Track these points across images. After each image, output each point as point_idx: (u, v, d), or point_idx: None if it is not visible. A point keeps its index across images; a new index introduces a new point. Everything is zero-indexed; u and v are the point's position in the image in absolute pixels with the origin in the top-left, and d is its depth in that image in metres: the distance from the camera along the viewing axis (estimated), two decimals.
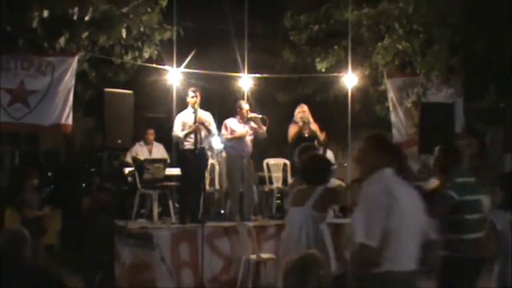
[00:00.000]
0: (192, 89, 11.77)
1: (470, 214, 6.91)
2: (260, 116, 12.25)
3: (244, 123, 12.20)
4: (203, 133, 11.52)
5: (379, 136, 5.56)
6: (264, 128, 12.24)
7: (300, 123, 12.32)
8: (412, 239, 4.81)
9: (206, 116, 11.68)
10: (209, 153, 13.00)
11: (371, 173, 5.01)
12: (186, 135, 11.42)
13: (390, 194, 4.76)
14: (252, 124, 12.21)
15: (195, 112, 11.42)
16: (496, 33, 13.17)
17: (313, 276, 4.26)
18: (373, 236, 4.63)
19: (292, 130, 12.34)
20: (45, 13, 10.48)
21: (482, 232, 7.13)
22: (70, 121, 11.45)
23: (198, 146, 11.46)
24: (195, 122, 11.35)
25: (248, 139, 12.15)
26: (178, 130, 11.50)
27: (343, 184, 12.29)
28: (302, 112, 12.47)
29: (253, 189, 12.37)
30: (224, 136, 12.26)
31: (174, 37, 12.22)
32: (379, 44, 13.79)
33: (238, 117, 12.24)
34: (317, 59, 14.32)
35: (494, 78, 13.39)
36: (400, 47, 13.51)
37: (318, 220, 6.95)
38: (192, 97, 11.57)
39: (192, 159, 11.49)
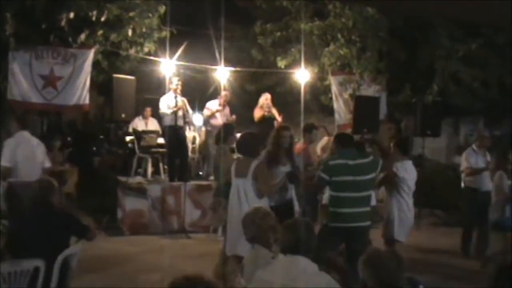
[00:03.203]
0: (177, 78, 11.98)
1: None
2: (232, 115, 12.64)
3: (222, 106, 12.51)
4: (180, 112, 11.75)
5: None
6: (234, 117, 12.62)
7: (263, 107, 12.56)
8: None
9: (184, 101, 11.88)
10: (191, 127, 13.36)
11: None
12: (172, 113, 11.63)
13: None
14: (227, 110, 12.56)
15: (176, 97, 11.63)
16: (413, 47, 13.65)
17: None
18: None
19: (258, 113, 12.52)
20: (71, 15, 10.62)
21: None
22: (87, 101, 11.43)
23: (177, 123, 11.58)
24: (176, 105, 11.58)
25: (223, 119, 12.37)
26: (165, 109, 11.67)
27: None
28: (265, 99, 12.64)
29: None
30: (205, 115, 12.56)
31: (168, 36, 12.28)
32: (326, 49, 13.92)
33: (218, 100, 12.55)
34: (279, 58, 14.25)
35: (409, 79, 13.84)
36: (341, 52, 13.63)
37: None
38: (176, 84, 11.75)
39: (173, 133, 11.64)
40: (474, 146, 9.96)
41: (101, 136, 15.35)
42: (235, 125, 9.68)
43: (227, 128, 7.66)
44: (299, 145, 9.00)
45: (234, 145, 7.71)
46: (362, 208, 6.63)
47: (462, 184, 10.10)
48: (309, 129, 9.35)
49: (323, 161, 7.27)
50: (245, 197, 6.54)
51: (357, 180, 6.59)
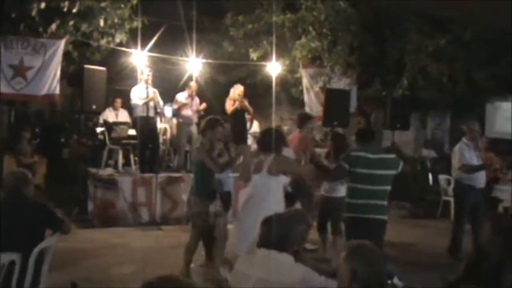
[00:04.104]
0: (148, 69, 11.90)
1: None
2: (201, 105, 12.61)
3: (191, 98, 12.43)
4: (151, 104, 11.66)
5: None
6: (204, 106, 12.61)
7: (235, 99, 12.49)
8: None
9: (155, 93, 11.81)
10: (162, 119, 13.30)
11: None
12: (143, 104, 11.53)
13: None
14: (197, 100, 12.47)
15: (147, 88, 11.54)
16: (383, 41, 13.80)
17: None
18: None
19: (229, 104, 12.46)
20: (42, 5, 10.48)
21: None
22: (57, 91, 11.35)
23: (148, 115, 11.56)
24: (147, 96, 11.47)
25: (193, 110, 12.35)
26: (136, 100, 11.58)
27: None
28: (237, 91, 12.57)
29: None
30: (173, 107, 12.48)
31: (139, 27, 12.24)
32: (297, 42, 14.04)
33: (187, 92, 12.44)
34: (250, 50, 14.34)
35: (379, 73, 14.00)
36: (313, 45, 13.81)
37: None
38: (148, 75, 11.67)
39: (143, 124, 11.58)
40: (465, 140, 9.18)
41: (67, 125, 15.26)
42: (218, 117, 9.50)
43: (213, 120, 7.46)
44: (294, 134, 9.33)
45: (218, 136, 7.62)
46: (378, 201, 6.64)
47: (445, 180, 9.80)
48: (306, 119, 9.57)
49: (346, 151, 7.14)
50: (258, 193, 6.52)
51: (375, 173, 6.60)
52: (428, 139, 19.42)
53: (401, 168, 6.79)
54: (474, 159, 9.04)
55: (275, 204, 6.22)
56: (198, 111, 12.48)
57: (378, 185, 6.62)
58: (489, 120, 17.63)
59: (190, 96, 12.39)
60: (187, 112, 12.36)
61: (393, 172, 6.70)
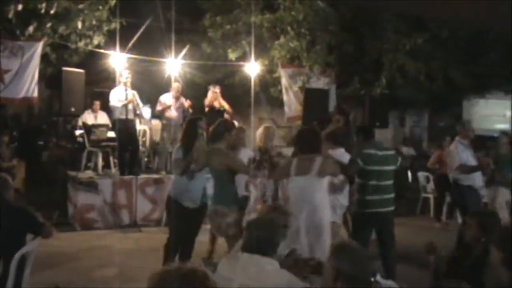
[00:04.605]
0: (127, 71, 11.83)
1: None
2: (187, 102, 12.38)
3: (176, 100, 12.33)
4: (130, 106, 11.61)
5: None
6: (189, 103, 12.41)
7: (213, 99, 12.44)
8: None
9: (135, 95, 11.76)
10: (142, 120, 13.23)
11: None
12: (122, 106, 11.48)
13: None
14: (182, 100, 12.36)
15: (126, 90, 11.49)
16: (361, 41, 13.89)
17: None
18: None
19: (208, 104, 12.48)
20: (19, 7, 10.40)
21: None
22: (36, 94, 11.20)
23: (127, 117, 11.45)
24: (126, 98, 11.45)
25: (178, 112, 12.25)
26: (115, 102, 11.51)
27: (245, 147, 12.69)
28: (214, 91, 12.56)
29: None
30: (157, 108, 12.35)
31: (118, 29, 12.19)
32: (276, 42, 14.01)
33: (171, 93, 12.35)
34: (229, 50, 14.28)
35: (357, 72, 14.09)
36: (291, 45, 13.78)
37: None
38: (127, 78, 11.61)
39: (123, 126, 11.51)
40: (460, 139, 8.87)
41: (45, 128, 15.13)
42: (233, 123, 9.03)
43: (223, 124, 7.07)
44: None
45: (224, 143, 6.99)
46: (389, 195, 7.08)
47: (424, 177, 9.67)
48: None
49: (357, 149, 7.25)
50: (305, 195, 6.17)
51: (384, 170, 7.01)
52: (407, 137, 19.62)
53: (400, 164, 7.25)
54: (470, 159, 8.79)
55: (325, 208, 6.24)
56: (185, 111, 12.37)
57: (387, 180, 7.06)
58: (466, 117, 17.83)
59: (175, 97, 12.30)
60: (171, 113, 12.27)
61: (395, 167, 7.15)
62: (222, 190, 6.66)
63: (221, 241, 7.58)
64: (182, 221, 6.93)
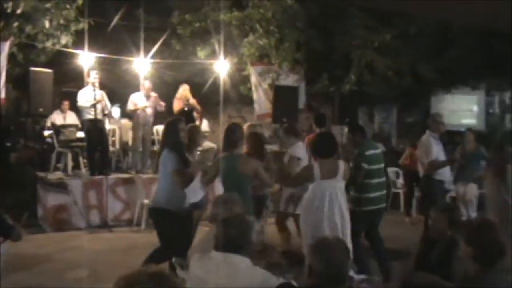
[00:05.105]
0: (95, 71, 11.74)
1: None
2: (161, 102, 12.27)
3: (147, 98, 12.20)
4: (99, 106, 11.52)
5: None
6: (163, 104, 12.30)
7: (182, 98, 12.41)
8: None
9: (103, 95, 11.67)
10: (111, 120, 13.14)
11: None
12: (91, 106, 11.37)
13: None
14: (153, 99, 12.23)
15: (95, 90, 11.40)
16: (330, 37, 13.98)
17: None
18: None
19: (176, 103, 12.40)
20: None
21: None
22: (3, 95, 11.10)
23: (96, 117, 11.30)
24: (95, 98, 11.34)
25: (149, 110, 12.15)
26: (84, 102, 11.39)
27: (215, 146, 12.72)
28: (184, 90, 12.51)
29: (149, 149, 12.39)
30: (128, 108, 12.19)
31: (86, 28, 12.12)
32: (245, 39, 14.08)
33: (142, 92, 12.20)
34: (198, 48, 14.33)
35: (326, 69, 14.18)
36: (260, 42, 13.87)
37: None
38: (95, 78, 11.51)
39: (92, 126, 11.38)
40: (431, 133, 8.71)
41: (13, 129, 14.91)
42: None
43: (240, 130, 6.76)
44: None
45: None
46: (383, 191, 7.49)
47: (394, 172, 9.68)
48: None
49: (357, 152, 7.37)
50: (336, 198, 6.34)
51: (381, 167, 7.46)
52: (376, 133, 19.75)
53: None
54: (441, 153, 8.73)
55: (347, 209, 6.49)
56: (157, 109, 12.29)
57: (383, 177, 7.50)
58: (434, 113, 18.00)
59: (146, 96, 12.23)
60: (142, 112, 12.18)
61: (384, 164, 7.61)
62: (243, 196, 6.05)
63: None
64: (178, 226, 6.64)
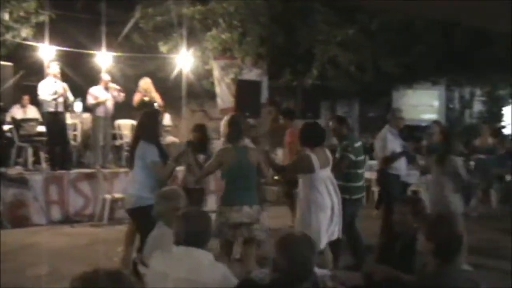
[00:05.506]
0: (56, 63, 11.58)
1: None
2: (118, 87, 12.17)
3: (106, 90, 12.05)
4: (61, 99, 11.39)
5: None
6: (122, 95, 12.16)
7: (143, 92, 12.16)
8: None
9: (65, 87, 11.52)
10: (73, 114, 13.00)
11: None
12: (52, 100, 11.24)
13: None
14: (112, 92, 12.09)
15: (56, 82, 11.22)
16: (292, 32, 14.05)
17: None
18: None
19: (137, 97, 12.12)
20: None
21: None
22: None
23: (57, 110, 11.23)
24: (55, 92, 11.16)
25: (109, 103, 12.01)
26: (45, 95, 11.24)
27: (177, 140, 12.68)
28: (145, 83, 12.26)
29: (110, 143, 12.35)
30: (89, 102, 12.02)
31: (47, 21, 11.97)
32: (208, 34, 14.05)
33: (101, 85, 12.07)
34: (161, 42, 14.27)
35: (289, 63, 14.25)
36: (223, 37, 13.87)
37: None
38: (56, 69, 11.31)
39: (53, 120, 11.29)
40: (389, 127, 8.66)
41: None
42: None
43: (243, 121, 6.80)
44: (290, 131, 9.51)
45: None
46: (364, 182, 7.95)
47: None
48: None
49: (346, 144, 7.55)
50: (332, 187, 6.61)
51: (363, 159, 7.89)
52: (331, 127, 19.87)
53: None
54: (398, 148, 8.62)
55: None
56: (117, 100, 12.18)
57: (363, 169, 7.95)
58: (395, 107, 18.19)
59: (105, 89, 12.10)
60: (103, 106, 12.02)
61: None
62: (253, 188, 6.35)
63: None
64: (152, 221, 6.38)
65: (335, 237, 6.72)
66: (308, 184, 6.58)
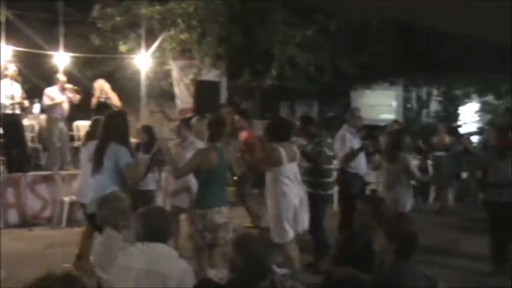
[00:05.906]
0: (13, 64, 11.41)
1: None
2: (76, 88, 12.01)
3: (62, 92, 11.92)
4: (18, 100, 11.18)
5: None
6: (78, 96, 11.98)
7: (99, 93, 12.00)
8: None
9: (21, 89, 11.35)
10: (30, 115, 12.81)
11: None
12: (9, 102, 11.03)
13: None
14: (68, 93, 11.93)
15: (12, 84, 10.99)
16: (251, 32, 14.10)
17: None
18: None
19: (94, 99, 11.99)
20: None
21: None
22: None
23: (14, 111, 11.04)
24: (12, 95, 10.97)
25: (65, 105, 11.86)
26: (1, 97, 11.07)
27: (135, 141, 12.58)
28: (100, 85, 12.11)
29: (67, 145, 12.18)
30: (45, 103, 11.86)
31: (3, 21, 11.79)
32: (167, 34, 13.99)
33: (57, 86, 11.91)
34: (120, 43, 14.19)
35: (248, 64, 14.29)
36: (182, 37, 13.83)
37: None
38: (14, 70, 11.21)
39: (9, 122, 11.08)
40: (348, 127, 8.67)
41: None
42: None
43: (223, 121, 6.75)
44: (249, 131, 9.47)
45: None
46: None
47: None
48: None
49: (318, 140, 7.82)
50: (297, 182, 6.76)
51: (333, 155, 8.01)
52: (298, 127, 19.98)
53: None
54: (356, 147, 8.50)
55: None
56: (72, 101, 12.04)
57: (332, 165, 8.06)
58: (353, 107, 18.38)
59: (61, 90, 11.95)
60: (59, 107, 11.87)
61: None
62: (226, 188, 6.53)
63: None
64: None
65: (304, 228, 6.85)
66: (276, 177, 6.66)
